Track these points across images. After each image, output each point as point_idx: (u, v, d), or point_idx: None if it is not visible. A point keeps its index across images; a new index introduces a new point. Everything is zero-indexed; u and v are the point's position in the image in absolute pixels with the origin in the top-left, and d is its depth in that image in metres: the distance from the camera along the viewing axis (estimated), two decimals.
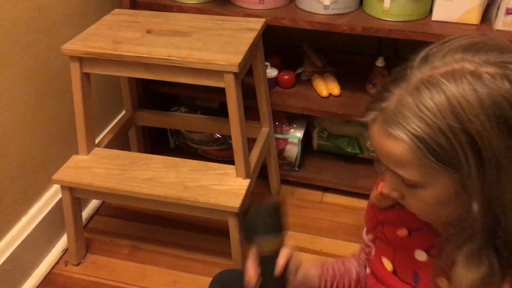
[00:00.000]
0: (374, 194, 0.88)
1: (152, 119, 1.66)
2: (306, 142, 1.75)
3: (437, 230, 0.79)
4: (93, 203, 1.65)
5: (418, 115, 0.62)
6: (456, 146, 0.61)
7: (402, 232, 0.84)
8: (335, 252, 1.50)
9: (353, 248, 1.49)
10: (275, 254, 0.82)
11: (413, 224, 0.82)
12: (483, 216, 0.64)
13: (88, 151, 1.38)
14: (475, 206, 0.64)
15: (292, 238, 1.54)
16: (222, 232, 1.45)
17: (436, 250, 0.78)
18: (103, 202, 1.68)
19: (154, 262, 1.47)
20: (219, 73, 1.17)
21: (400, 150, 0.64)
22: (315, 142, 1.74)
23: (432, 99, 0.62)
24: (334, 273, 0.99)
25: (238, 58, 1.16)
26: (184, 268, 1.46)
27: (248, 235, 0.84)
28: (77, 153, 1.38)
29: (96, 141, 1.46)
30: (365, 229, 0.98)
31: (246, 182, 1.29)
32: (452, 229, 0.70)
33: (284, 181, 1.72)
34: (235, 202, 1.23)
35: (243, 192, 1.25)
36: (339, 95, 1.59)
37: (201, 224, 1.59)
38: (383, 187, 0.74)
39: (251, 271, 0.85)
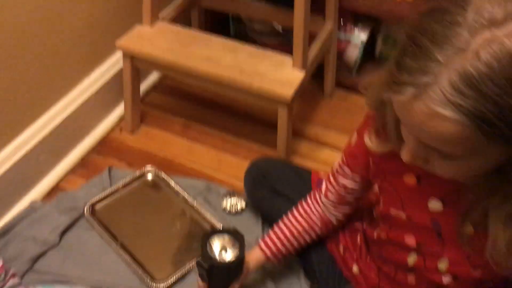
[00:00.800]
0: (368, 139, 0.78)
1: (216, 2, 1.64)
2: (369, 47, 1.69)
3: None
4: (151, 79, 1.70)
5: (485, 93, 0.51)
6: None
7: (410, 179, 0.77)
8: None
9: None
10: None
11: (424, 170, 0.71)
12: None
13: (152, 23, 1.40)
14: None
15: (338, 139, 1.55)
16: (270, 124, 1.48)
17: (453, 197, 0.72)
18: (160, 79, 1.72)
19: (203, 141, 1.54)
20: None
21: (452, 130, 0.54)
22: (379, 48, 1.68)
23: (502, 70, 0.50)
24: (286, 241, 1.02)
25: None
26: (230, 151, 1.51)
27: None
28: (141, 23, 1.40)
29: (160, 16, 1.47)
30: (345, 167, 0.91)
31: (302, 73, 1.28)
32: (484, 188, 0.65)
33: (339, 84, 1.70)
34: (288, 92, 1.23)
35: (297, 82, 1.25)
36: (413, 1, 1.50)
37: (252, 113, 1.62)
38: (405, 155, 0.64)
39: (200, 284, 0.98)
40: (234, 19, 1.79)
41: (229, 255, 0.95)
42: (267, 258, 1.04)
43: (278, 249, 1.03)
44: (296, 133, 1.56)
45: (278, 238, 1.03)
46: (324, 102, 1.69)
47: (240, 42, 1.39)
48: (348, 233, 1.04)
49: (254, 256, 1.03)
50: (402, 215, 0.81)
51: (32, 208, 1.30)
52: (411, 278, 0.87)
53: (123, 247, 1.23)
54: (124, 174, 1.40)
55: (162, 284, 1.16)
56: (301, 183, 1.17)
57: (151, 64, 1.37)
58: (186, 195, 1.34)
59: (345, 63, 1.68)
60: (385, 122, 0.70)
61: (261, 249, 1.04)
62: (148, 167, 1.41)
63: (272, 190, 1.18)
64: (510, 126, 0.52)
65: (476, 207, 0.66)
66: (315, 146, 1.54)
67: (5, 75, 1.19)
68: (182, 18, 1.59)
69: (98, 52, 1.47)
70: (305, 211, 1.02)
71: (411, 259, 0.84)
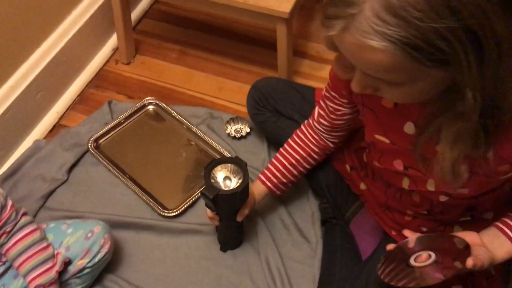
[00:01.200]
0: (336, 66, 0.75)
1: None
2: None
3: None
4: (142, 5, 1.62)
5: (406, 19, 0.51)
6: (455, 46, 0.53)
7: (387, 102, 0.77)
8: None
9: None
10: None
11: None
12: (477, 103, 0.58)
13: None
14: (469, 95, 0.57)
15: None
16: (270, 44, 1.42)
17: (422, 121, 0.71)
18: (152, 5, 1.64)
19: (201, 68, 1.49)
20: None
21: (384, 59, 0.55)
22: None
23: None
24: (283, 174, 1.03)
25: None
26: (230, 75, 1.47)
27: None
28: None
29: None
30: (331, 91, 0.90)
31: None
32: (434, 108, 0.65)
33: None
34: (286, 6, 1.17)
35: None
36: None
37: (250, 35, 1.56)
38: (354, 86, 0.66)
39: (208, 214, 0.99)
40: None
41: (233, 183, 0.94)
42: (270, 190, 1.04)
43: (279, 180, 1.03)
44: (297, 53, 1.50)
45: (278, 169, 1.03)
46: None
47: None
48: (354, 153, 1.04)
49: (257, 190, 1.04)
50: (386, 140, 0.81)
51: (36, 147, 1.29)
52: (415, 198, 0.88)
53: (131, 179, 1.23)
54: (125, 107, 1.38)
55: (173, 212, 1.17)
56: (304, 102, 1.14)
57: None
58: (189, 124, 1.32)
59: None
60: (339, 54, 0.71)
61: (262, 183, 1.04)
62: (149, 98, 1.38)
63: (275, 111, 1.16)
64: (437, 48, 0.53)
65: (431, 123, 0.66)
66: (317, 64, 1.49)
67: None
68: None
69: None
70: (301, 140, 1.02)
71: (405, 183, 0.84)
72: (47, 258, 0.96)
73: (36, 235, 0.97)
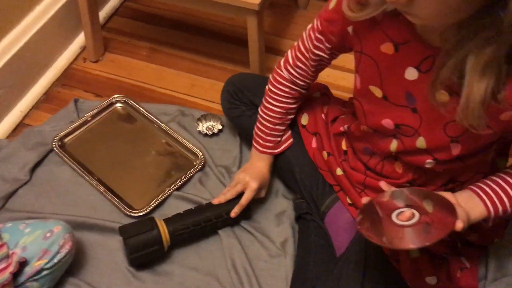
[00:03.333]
0: (346, 7, 0.73)
1: None
2: None
3: (431, 41, 0.70)
4: (112, 3, 1.58)
5: None
6: None
7: (387, 47, 0.75)
8: None
9: None
10: None
11: (399, 36, 0.73)
12: None
13: None
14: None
15: None
16: (242, 42, 1.39)
17: (428, 64, 0.70)
18: (122, 2, 1.60)
19: (173, 65, 1.45)
20: None
21: None
22: None
23: None
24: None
25: None
26: (202, 73, 1.43)
27: None
28: None
29: None
30: (317, 33, 0.87)
31: None
32: (465, 32, 0.61)
33: None
34: None
35: None
36: None
37: (221, 32, 1.53)
38: None
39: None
40: None
41: None
42: (274, 153, 1.06)
43: (275, 142, 1.05)
44: (271, 50, 1.48)
45: (269, 134, 1.04)
46: (298, 14, 1.59)
47: None
48: (333, 138, 1.02)
49: (265, 163, 1.06)
50: (379, 93, 0.79)
51: None
52: (398, 166, 0.86)
53: (97, 179, 1.18)
54: (92, 105, 1.33)
55: (140, 212, 1.12)
56: None
57: None
58: (158, 122, 1.28)
59: None
60: None
61: (264, 152, 1.05)
62: (117, 96, 1.33)
63: (250, 104, 1.13)
64: None
65: (459, 51, 0.62)
66: None
67: None
68: None
69: None
70: (276, 99, 1.01)
71: (393, 145, 0.82)
72: (0, 259, 0.90)
73: None
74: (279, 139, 1.05)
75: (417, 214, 0.73)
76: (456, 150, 0.75)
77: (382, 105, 0.79)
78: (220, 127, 1.27)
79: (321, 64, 0.93)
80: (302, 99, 1.04)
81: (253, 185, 1.02)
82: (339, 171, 0.99)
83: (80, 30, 1.45)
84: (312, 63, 0.92)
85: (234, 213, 1.04)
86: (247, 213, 1.08)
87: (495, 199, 0.77)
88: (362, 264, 0.87)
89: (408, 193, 0.75)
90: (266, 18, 1.55)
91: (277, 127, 1.03)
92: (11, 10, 1.26)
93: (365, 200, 0.77)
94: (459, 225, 0.69)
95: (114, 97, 1.33)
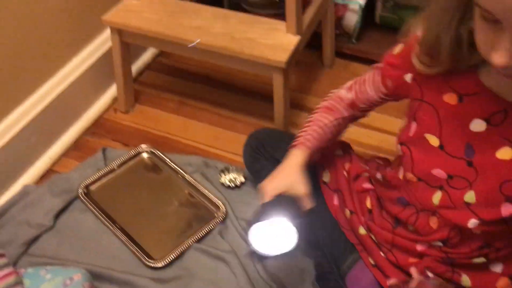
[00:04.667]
0: (416, 60, 0.75)
1: None
2: (368, 13, 1.63)
3: (505, 95, 0.68)
4: (145, 58, 1.65)
5: None
6: None
7: (450, 97, 0.74)
8: (383, 126, 1.44)
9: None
10: None
11: (464, 88, 0.72)
12: None
13: None
14: None
15: None
16: (268, 97, 1.42)
17: (500, 118, 0.69)
18: (154, 57, 1.67)
19: (198, 118, 1.49)
20: None
21: None
22: (378, 13, 1.61)
23: None
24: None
25: None
26: (226, 126, 1.46)
27: None
28: None
29: None
30: (377, 75, 0.90)
31: (296, 38, 1.22)
32: None
33: (338, 53, 1.64)
34: (282, 56, 1.17)
35: (292, 48, 1.19)
36: None
37: (248, 86, 1.57)
38: (499, 58, 0.57)
39: None
40: None
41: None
42: (311, 156, 0.98)
43: (316, 145, 0.98)
44: (296, 106, 1.50)
45: (314, 137, 0.98)
46: (324, 72, 1.63)
47: (231, 11, 1.33)
48: (356, 196, 1.01)
49: (292, 162, 0.96)
50: (435, 142, 0.78)
51: (25, 192, 1.26)
52: (433, 221, 0.82)
53: (120, 228, 1.19)
54: (119, 154, 1.36)
55: (160, 263, 1.12)
56: None
57: (140, 37, 1.32)
58: (183, 172, 1.29)
59: (344, 30, 1.62)
60: (440, 47, 0.69)
61: (293, 146, 0.98)
62: (143, 146, 1.36)
63: (271, 158, 1.14)
64: None
65: None
66: None
67: None
68: None
69: (86, 30, 1.42)
70: (329, 109, 0.99)
71: (436, 197, 0.80)
72: None
73: (11, 279, 0.92)
74: (322, 145, 0.99)
75: None
76: (506, 211, 0.72)
77: (436, 154, 0.78)
78: (243, 180, 1.28)
79: (370, 103, 0.94)
80: (338, 126, 1.00)
81: (266, 198, 0.94)
82: (362, 230, 0.97)
83: (113, 82, 1.52)
84: (361, 98, 0.94)
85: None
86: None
87: None
88: None
89: (436, 285, 0.73)
90: (291, 75, 1.59)
91: (312, 126, 0.98)
92: (50, 60, 1.33)
93: (392, 282, 0.74)
94: None
95: (140, 147, 1.36)
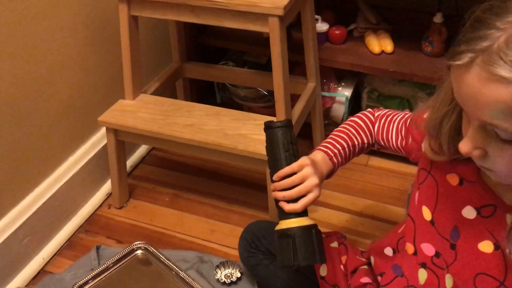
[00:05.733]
0: (426, 146, 0.78)
1: (199, 71, 1.66)
2: (354, 103, 1.70)
3: (498, 192, 0.71)
4: (139, 152, 1.68)
5: None
6: None
7: (453, 178, 0.77)
8: (376, 214, 1.45)
9: (396, 212, 1.45)
10: None
11: (466, 174, 0.75)
12: None
13: (134, 96, 1.40)
14: None
15: (333, 197, 1.51)
16: (261, 187, 1.44)
17: (489, 211, 0.71)
18: (148, 151, 1.71)
19: (193, 211, 1.49)
20: (264, 16, 1.14)
21: (508, 93, 0.54)
22: (364, 103, 1.68)
23: None
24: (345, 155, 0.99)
25: (284, 1, 1.12)
26: (221, 218, 1.46)
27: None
28: (123, 98, 1.41)
29: (144, 89, 1.48)
30: (403, 127, 0.93)
31: None
32: None
33: None
34: None
35: None
36: (392, 53, 1.52)
37: (241, 178, 1.59)
38: (463, 145, 0.62)
39: None
40: (219, 87, 1.81)
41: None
42: (334, 169, 0.97)
43: (341, 161, 0.98)
44: None
45: (342, 148, 0.97)
46: None
47: (223, 108, 1.38)
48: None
49: (326, 168, 0.95)
50: (428, 216, 0.79)
51: None
52: None
53: None
54: (113, 252, 1.34)
55: None
56: None
57: (135, 136, 1.35)
58: (177, 269, 1.27)
59: (332, 119, 1.67)
60: (439, 141, 0.73)
61: (331, 160, 0.96)
62: (138, 243, 1.35)
63: (268, 253, 1.13)
64: None
65: None
66: (310, 206, 1.49)
67: None
68: (167, 89, 1.61)
69: (82, 130, 1.46)
70: (355, 123, 1.00)
71: (422, 276, 0.80)
72: None
73: None
74: (333, 148, 0.98)
75: None
76: None
77: (427, 228, 0.79)
78: (239, 275, 1.26)
79: (386, 144, 0.96)
80: (361, 151, 1.01)
81: (318, 193, 0.89)
82: None
83: (108, 178, 1.53)
84: (386, 136, 0.96)
85: (293, 209, 0.90)
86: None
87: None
88: None
89: None
90: None
91: (336, 137, 0.99)
92: (46, 160, 1.35)
93: None
94: None
95: (135, 244, 1.34)
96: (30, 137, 1.28)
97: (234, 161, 1.29)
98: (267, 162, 0.95)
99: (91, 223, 1.47)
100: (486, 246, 0.71)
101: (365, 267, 1.01)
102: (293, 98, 1.39)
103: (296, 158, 0.91)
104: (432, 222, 0.80)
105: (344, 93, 1.62)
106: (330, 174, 0.97)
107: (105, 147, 1.47)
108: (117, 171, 1.44)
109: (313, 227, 0.88)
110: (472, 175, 0.74)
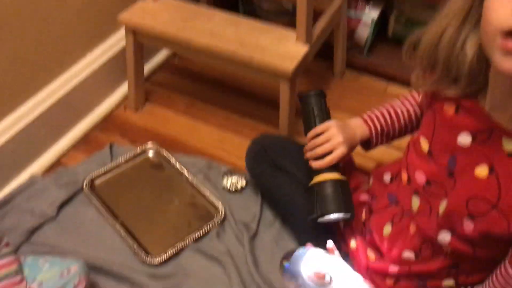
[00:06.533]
0: (414, 77, 0.78)
1: None
2: (380, 27, 1.64)
3: (495, 116, 0.70)
4: (158, 58, 1.68)
5: None
6: None
7: (449, 108, 0.77)
8: None
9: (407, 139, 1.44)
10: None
11: (463, 101, 0.74)
12: None
13: None
14: None
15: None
16: (274, 103, 1.44)
17: (484, 136, 0.71)
18: (167, 58, 1.70)
19: (207, 120, 1.51)
20: None
21: None
22: (391, 27, 1.62)
23: None
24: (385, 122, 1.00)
25: None
26: (233, 130, 1.48)
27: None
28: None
29: None
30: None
31: (305, 47, 1.23)
32: None
33: (349, 65, 1.65)
34: (289, 65, 1.19)
35: (300, 57, 1.21)
36: None
37: (257, 92, 1.59)
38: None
39: None
40: None
41: None
42: (370, 133, 1.00)
43: (381, 125, 1.00)
44: None
45: (381, 115, 1.01)
46: (333, 82, 1.64)
47: (243, 17, 1.35)
48: None
49: (359, 132, 1.00)
50: (425, 146, 0.80)
51: (31, 182, 1.29)
52: (412, 227, 0.84)
53: (120, 222, 1.21)
54: (126, 150, 1.38)
55: (157, 259, 1.14)
56: (303, 157, 1.13)
57: (153, 38, 1.34)
58: (186, 172, 1.31)
59: (356, 43, 1.63)
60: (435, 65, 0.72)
61: (366, 123, 1.01)
62: (150, 144, 1.39)
63: (273, 164, 1.15)
64: None
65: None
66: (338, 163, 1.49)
67: (8, 45, 1.19)
68: None
69: (102, 28, 1.45)
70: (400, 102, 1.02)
71: (415, 203, 0.82)
72: None
73: (13, 267, 0.95)
74: (370, 113, 1.02)
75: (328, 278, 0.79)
76: (468, 228, 0.73)
77: (423, 158, 0.80)
78: (244, 184, 1.29)
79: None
80: (409, 118, 1.01)
81: (344, 149, 0.96)
82: (353, 243, 0.98)
83: (125, 80, 1.55)
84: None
85: (319, 165, 0.97)
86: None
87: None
88: None
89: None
90: (300, 84, 1.60)
91: (377, 108, 1.02)
92: (65, 55, 1.37)
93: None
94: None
95: (147, 145, 1.39)
96: (49, 30, 1.29)
97: (250, 73, 1.28)
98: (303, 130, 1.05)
99: (106, 122, 1.50)
100: (482, 171, 0.71)
101: (367, 186, 1.03)
102: (315, 15, 1.35)
103: None
104: (429, 152, 0.79)
105: (371, 14, 1.55)
106: (369, 139, 1.00)
107: (123, 49, 1.46)
108: (134, 74, 1.45)
109: (339, 181, 0.95)
110: (469, 102, 0.73)
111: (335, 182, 0.94)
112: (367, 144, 1.03)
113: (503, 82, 0.66)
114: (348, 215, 0.93)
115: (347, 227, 1.00)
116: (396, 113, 0.99)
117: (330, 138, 0.97)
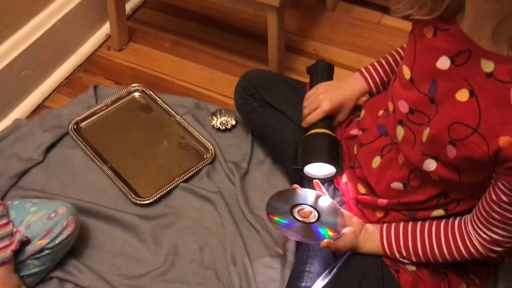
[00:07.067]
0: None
1: None
2: None
3: (474, 37, 0.68)
4: None
5: None
6: None
7: (428, 31, 0.74)
8: None
9: None
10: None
11: (441, 24, 0.72)
12: None
13: None
14: None
15: (339, 55, 1.45)
16: (263, 38, 1.38)
17: (463, 58, 0.69)
18: None
19: (194, 59, 1.46)
20: None
21: None
22: None
23: None
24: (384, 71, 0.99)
25: None
26: (222, 68, 1.43)
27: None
28: None
29: None
30: None
31: None
32: None
33: None
34: None
35: None
36: None
37: (244, 29, 1.53)
38: None
39: None
40: None
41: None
42: (368, 83, 1.00)
43: (378, 74, 1.00)
44: (294, 50, 1.46)
45: (379, 64, 1.00)
46: (325, 16, 1.57)
47: None
48: (345, 142, 1.00)
49: (353, 87, 1.01)
50: (407, 73, 0.78)
51: (15, 126, 1.26)
52: (401, 157, 0.83)
53: (108, 164, 1.19)
54: (111, 92, 1.34)
55: (147, 200, 1.12)
56: (294, 93, 1.09)
57: None
58: (174, 113, 1.28)
59: None
60: None
61: (362, 75, 1.00)
62: (136, 85, 1.34)
63: (263, 101, 1.12)
64: None
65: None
66: (313, 62, 1.44)
67: None
68: None
69: None
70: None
71: (400, 132, 0.81)
72: (4, 236, 0.92)
73: None
74: (368, 66, 1.00)
75: (315, 214, 0.83)
76: (451, 153, 0.72)
77: (406, 86, 0.78)
78: (234, 123, 1.26)
79: None
80: None
81: (325, 106, 0.97)
82: (344, 179, 0.96)
83: (107, 19, 1.47)
84: None
85: (305, 123, 1.00)
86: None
87: (393, 242, 0.83)
88: (361, 273, 0.85)
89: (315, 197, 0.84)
90: (291, 18, 1.54)
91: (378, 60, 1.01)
92: None
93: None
94: (323, 243, 0.80)
95: (133, 86, 1.34)
96: None
97: (236, 4, 1.22)
98: None
99: (90, 63, 1.45)
100: (462, 95, 0.70)
101: (358, 119, 1.00)
102: None
103: None
104: (411, 79, 0.78)
105: None
106: (372, 90, 1.00)
107: None
108: (115, 12, 1.38)
109: (325, 134, 0.95)
110: (447, 23, 0.71)
111: (320, 134, 0.95)
112: (371, 96, 1.02)
113: (477, 1, 0.65)
114: (333, 169, 0.93)
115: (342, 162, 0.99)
116: (395, 61, 0.98)
117: (316, 99, 0.99)
